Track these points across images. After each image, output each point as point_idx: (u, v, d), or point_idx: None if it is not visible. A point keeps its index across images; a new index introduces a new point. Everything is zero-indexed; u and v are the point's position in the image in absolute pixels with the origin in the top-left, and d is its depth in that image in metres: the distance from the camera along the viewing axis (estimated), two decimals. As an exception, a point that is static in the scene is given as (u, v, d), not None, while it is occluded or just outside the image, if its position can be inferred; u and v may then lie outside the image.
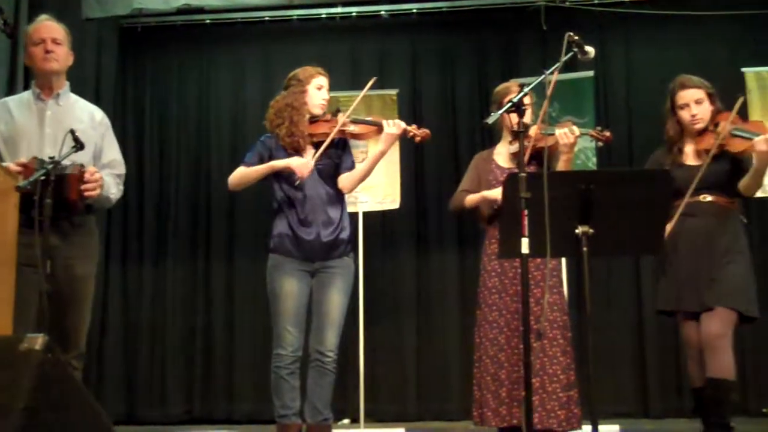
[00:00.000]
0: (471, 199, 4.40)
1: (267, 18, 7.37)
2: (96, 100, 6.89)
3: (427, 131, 4.21)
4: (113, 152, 3.99)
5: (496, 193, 4.15)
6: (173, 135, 7.45)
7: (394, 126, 4.12)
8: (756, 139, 3.82)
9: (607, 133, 4.20)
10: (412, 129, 4.18)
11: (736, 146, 3.95)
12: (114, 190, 3.91)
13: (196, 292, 7.19)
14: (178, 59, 7.58)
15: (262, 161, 4.21)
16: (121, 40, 7.38)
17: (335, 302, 4.13)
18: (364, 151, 5.79)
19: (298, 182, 4.07)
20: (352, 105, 4.26)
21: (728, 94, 4.48)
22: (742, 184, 3.98)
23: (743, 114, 5.78)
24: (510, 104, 3.27)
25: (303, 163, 4.07)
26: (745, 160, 3.97)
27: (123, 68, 7.44)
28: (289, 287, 4.09)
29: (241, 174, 4.22)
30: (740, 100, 4.13)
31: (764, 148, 3.79)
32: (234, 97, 7.49)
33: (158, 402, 6.99)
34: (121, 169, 4.00)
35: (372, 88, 4.36)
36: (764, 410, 6.49)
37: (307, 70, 4.29)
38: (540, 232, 3.07)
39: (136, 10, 6.86)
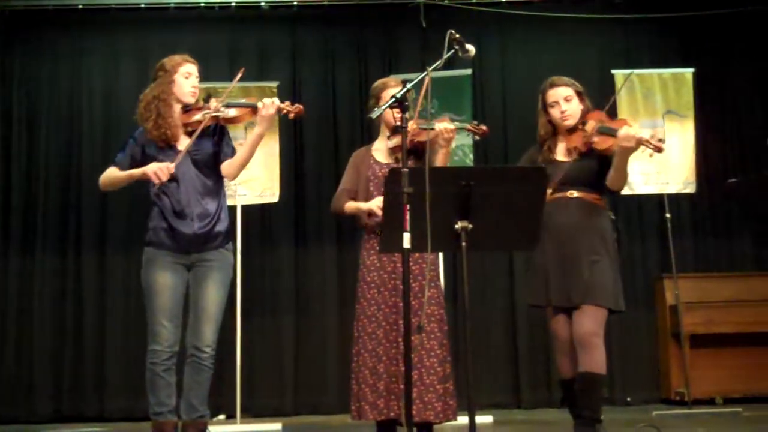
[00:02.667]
0: (349, 207, 4.38)
1: (143, 5, 7.21)
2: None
3: (300, 107, 4.14)
4: None
5: (373, 204, 4.15)
6: (43, 124, 7.19)
7: (269, 105, 4.05)
8: (619, 132, 3.95)
9: (484, 127, 4.27)
10: (285, 106, 4.09)
11: (603, 143, 4.09)
12: None
13: (66, 287, 6.97)
14: (48, 46, 7.31)
15: (134, 161, 4.10)
16: (-14, 23, 7.06)
17: (213, 297, 4.05)
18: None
19: (156, 187, 3.98)
20: (226, 91, 4.19)
21: (599, 94, 4.65)
22: (608, 179, 4.11)
23: (612, 115, 6.00)
24: (393, 99, 3.29)
25: (158, 168, 3.91)
26: (612, 157, 4.11)
27: (-12, 53, 7.13)
28: (164, 281, 3.99)
29: (110, 177, 4.13)
30: (611, 99, 4.27)
31: (626, 143, 3.94)
32: (107, 87, 7.28)
33: (24, 399, 6.75)
34: None
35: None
36: (628, 399, 6.78)
37: (174, 58, 4.17)
38: (420, 227, 3.09)
39: (3, -8, 6.61)
